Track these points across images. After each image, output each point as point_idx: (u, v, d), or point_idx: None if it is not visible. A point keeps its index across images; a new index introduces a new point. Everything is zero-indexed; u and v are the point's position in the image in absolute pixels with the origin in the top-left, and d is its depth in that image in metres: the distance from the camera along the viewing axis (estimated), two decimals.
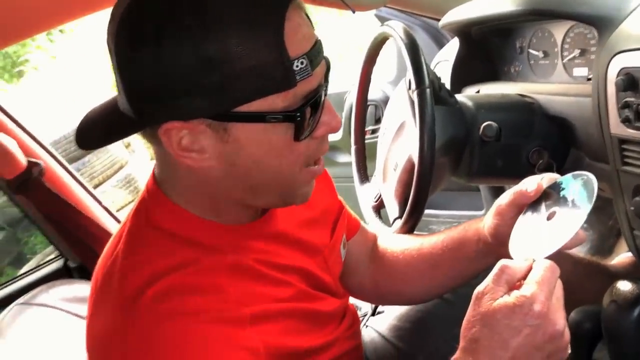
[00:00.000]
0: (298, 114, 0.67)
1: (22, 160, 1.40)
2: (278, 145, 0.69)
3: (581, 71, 1.19)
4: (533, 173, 0.86)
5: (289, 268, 0.82)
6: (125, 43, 0.64)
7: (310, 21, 0.69)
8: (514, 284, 0.64)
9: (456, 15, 1.40)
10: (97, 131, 0.72)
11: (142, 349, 0.66)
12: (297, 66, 0.64)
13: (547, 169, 1.18)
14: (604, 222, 1.47)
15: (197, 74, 0.62)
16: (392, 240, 1.07)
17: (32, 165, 1.42)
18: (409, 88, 1.12)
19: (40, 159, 1.47)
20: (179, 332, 0.66)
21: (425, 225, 2.09)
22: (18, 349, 1.16)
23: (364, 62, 1.36)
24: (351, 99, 2.21)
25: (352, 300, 1.06)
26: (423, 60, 1.07)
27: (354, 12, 1.43)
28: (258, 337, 0.72)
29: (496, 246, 0.86)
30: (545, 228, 0.71)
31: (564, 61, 1.22)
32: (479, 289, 0.65)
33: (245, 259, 0.76)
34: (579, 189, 0.71)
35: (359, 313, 1.22)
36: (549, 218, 0.72)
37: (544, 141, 1.17)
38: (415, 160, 1.07)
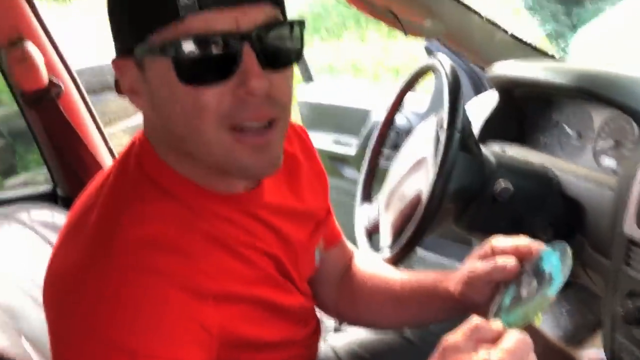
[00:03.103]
0: (173, 47, 0.64)
1: (45, 77, 1.39)
2: (171, 87, 0.66)
3: (610, 162, 1.18)
4: None
5: (262, 251, 0.81)
6: None
7: None
8: (483, 345, 0.63)
9: (503, 69, 1.39)
10: None
11: (101, 293, 0.66)
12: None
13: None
14: (584, 314, 1.46)
15: (115, 10, 0.69)
16: (365, 263, 1.07)
17: (52, 84, 1.41)
18: (440, 126, 1.11)
19: (62, 80, 1.46)
20: (141, 287, 0.66)
21: (409, 263, 2.08)
22: None
23: (402, 87, 1.36)
24: (375, 118, 2.21)
25: (318, 312, 1.05)
26: (461, 104, 1.07)
27: (406, 34, 1.44)
28: (216, 316, 0.71)
29: (464, 307, 0.86)
30: (524, 300, 0.70)
31: (596, 147, 1.21)
32: (448, 340, 0.63)
33: (221, 230, 0.75)
34: (556, 262, 0.71)
35: (321, 326, 1.21)
36: (527, 291, 0.71)
37: (553, 218, 1.16)
38: (424, 198, 1.06)
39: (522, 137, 1.43)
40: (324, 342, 1.15)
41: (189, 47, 0.64)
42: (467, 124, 1.11)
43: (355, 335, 1.14)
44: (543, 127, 1.39)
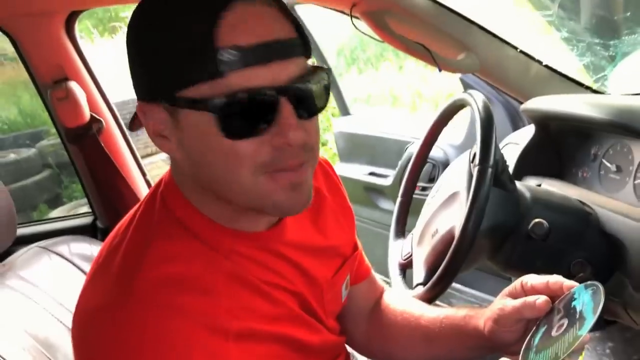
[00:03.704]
0: (219, 104, 0.65)
1: (86, 114, 1.44)
2: (212, 139, 0.67)
3: None
4: None
5: (286, 289, 0.80)
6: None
7: (291, 21, 0.70)
8: None
9: (539, 104, 1.38)
10: None
11: (123, 333, 0.66)
12: (222, 56, 0.64)
13: None
14: (629, 355, 1.41)
15: (149, 59, 0.68)
16: (396, 299, 1.05)
17: (93, 120, 1.46)
18: (472, 162, 1.10)
19: (103, 116, 1.51)
20: (164, 325, 0.67)
21: (447, 298, 2.04)
22: (25, 289, 1.18)
23: (435, 121, 1.35)
24: (412, 150, 2.20)
25: (349, 349, 1.04)
26: (494, 139, 1.06)
27: (440, 70, 1.44)
28: (239, 353, 0.71)
29: (494, 346, 0.84)
30: (554, 339, 0.69)
31: (635, 182, 1.18)
32: None
33: (244, 268, 0.76)
34: (588, 300, 0.69)
35: None
36: (557, 329, 0.70)
37: (591, 255, 1.13)
38: (457, 234, 1.04)
39: (560, 172, 1.41)
40: None
41: (232, 103, 0.65)
42: (500, 159, 1.10)
43: None
44: (581, 161, 1.36)
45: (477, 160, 1.05)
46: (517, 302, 0.79)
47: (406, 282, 1.26)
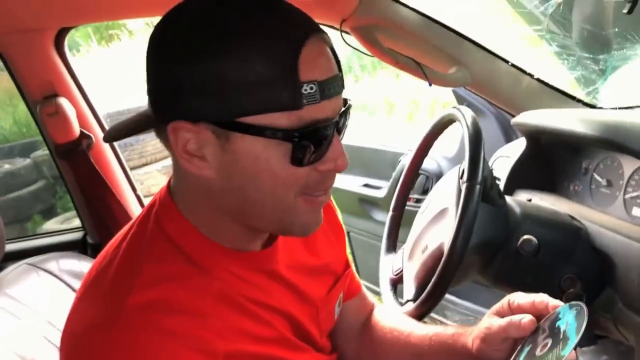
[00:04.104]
0: (296, 135, 0.68)
1: (76, 129, 1.44)
2: (274, 164, 0.70)
3: None
4: (560, 298, 0.83)
5: (276, 310, 0.80)
6: (153, 52, 0.71)
7: (336, 58, 0.73)
8: None
9: (530, 118, 1.38)
10: (121, 126, 0.76)
11: (113, 354, 0.67)
12: (305, 90, 0.67)
13: (576, 299, 1.13)
14: None
15: (210, 81, 0.66)
16: (386, 315, 1.05)
17: (83, 136, 1.46)
18: (461, 178, 1.10)
19: (93, 132, 1.51)
20: (152, 347, 0.67)
21: (441, 310, 2.04)
22: (13, 307, 1.17)
23: (425, 135, 1.35)
24: (405, 162, 2.20)
25: None
26: (482, 155, 1.06)
27: (430, 85, 1.44)
28: None
29: None
30: (537, 358, 0.70)
31: (625, 196, 1.18)
32: None
33: (233, 288, 0.76)
34: (572, 320, 0.70)
35: None
36: (541, 349, 0.70)
37: (581, 271, 1.13)
38: (445, 251, 1.04)
39: (552, 185, 1.40)
40: None
41: (306, 134, 0.68)
42: (488, 175, 1.09)
43: None
44: (573, 175, 1.36)
45: (465, 177, 1.05)
46: (503, 321, 0.80)
47: (397, 297, 1.26)
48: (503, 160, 1.53)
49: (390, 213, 1.41)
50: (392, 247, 1.39)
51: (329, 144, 0.72)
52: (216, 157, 0.70)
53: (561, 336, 0.69)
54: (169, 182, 0.80)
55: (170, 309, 0.69)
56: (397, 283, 1.31)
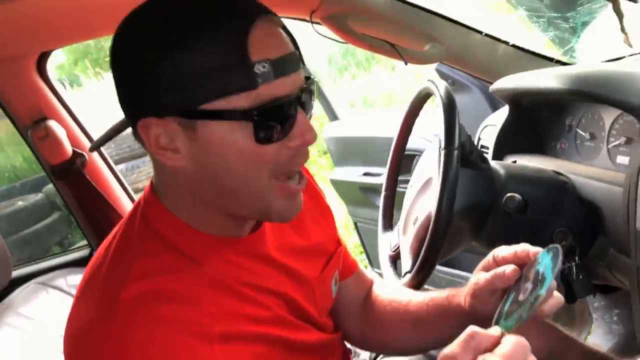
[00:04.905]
0: (255, 113, 0.70)
1: (68, 149, 1.48)
2: (242, 146, 0.72)
3: (624, 159, 1.15)
4: None
5: (270, 291, 0.82)
6: (114, 60, 0.75)
7: (291, 37, 0.76)
8: (481, 352, 0.63)
9: (507, 82, 1.39)
10: (104, 136, 0.79)
11: (110, 345, 0.69)
12: (258, 69, 0.69)
13: (570, 251, 1.14)
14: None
15: (167, 76, 0.69)
16: (384, 289, 1.07)
17: (76, 155, 1.49)
18: (440, 146, 1.12)
19: (85, 150, 1.54)
20: (149, 336, 0.69)
21: (439, 283, 2.05)
22: (25, 325, 1.21)
23: (406, 113, 1.37)
24: None
25: (349, 345, 1.05)
26: (457, 122, 1.07)
27: (406, 63, 1.46)
28: (224, 355, 0.72)
29: (476, 320, 0.85)
30: (520, 303, 0.71)
31: (609, 146, 1.19)
32: (445, 351, 0.64)
33: (226, 275, 0.78)
34: (548, 262, 0.72)
35: (355, 358, 1.20)
36: (524, 294, 0.72)
37: (571, 223, 1.14)
38: (432, 218, 1.06)
39: (539, 147, 1.41)
40: None
41: (265, 111, 0.71)
42: (467, 140, 1.11)
43: None
44: (558, 134, 1.37)
45: (442, 144, 1.06)
46: (489, 274, 0.82)
47: (397, 272, 1.28)
48: (490, 129, 1.54)
49: (383, 193, 1.43)
50: (389, 225, 1.41)
51: (294, 120, 0.74)
52: (187, 148, 0.72)
53: (540, 278, 0.71)
54: (151, 181, 0.82)
55: (163, 297, 0.71)
56: (396, 259, 1.33)
